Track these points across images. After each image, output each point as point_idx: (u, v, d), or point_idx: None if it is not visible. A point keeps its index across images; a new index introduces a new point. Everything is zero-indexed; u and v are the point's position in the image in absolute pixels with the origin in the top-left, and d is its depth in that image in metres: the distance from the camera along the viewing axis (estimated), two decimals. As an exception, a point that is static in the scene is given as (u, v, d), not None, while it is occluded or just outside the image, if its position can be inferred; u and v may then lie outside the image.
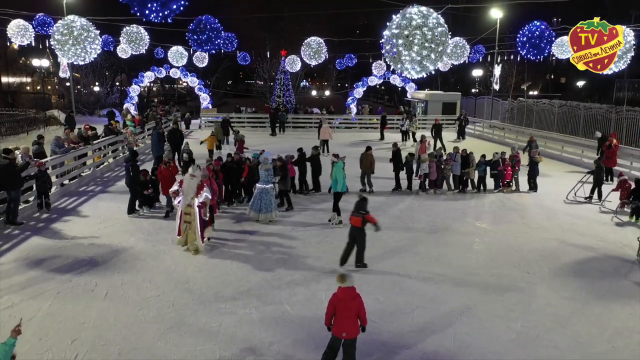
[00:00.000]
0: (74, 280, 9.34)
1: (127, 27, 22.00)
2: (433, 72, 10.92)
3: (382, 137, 28.94)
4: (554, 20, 46.72)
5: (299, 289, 9.12)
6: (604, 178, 17.12)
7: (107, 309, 8.25)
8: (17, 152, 13.67)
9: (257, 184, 12.88)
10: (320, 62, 27.95)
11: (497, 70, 31.90)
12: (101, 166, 19.12)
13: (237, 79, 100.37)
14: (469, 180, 16.50)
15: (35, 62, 38.25)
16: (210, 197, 10.80)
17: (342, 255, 10.07)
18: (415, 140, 27.34)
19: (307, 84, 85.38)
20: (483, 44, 33.03)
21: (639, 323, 8.16)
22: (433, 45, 8.50)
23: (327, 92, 54.10)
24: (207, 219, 10.87)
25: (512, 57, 36.46)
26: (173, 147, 20.15)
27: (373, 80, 38.81)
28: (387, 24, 9.44)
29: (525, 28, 17.43)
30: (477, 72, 36.43)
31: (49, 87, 59.95)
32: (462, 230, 12.76)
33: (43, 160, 14.41)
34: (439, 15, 8.59)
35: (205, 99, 38.61)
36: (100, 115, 33.42)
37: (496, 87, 32.29)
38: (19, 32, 21.55)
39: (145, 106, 39.32)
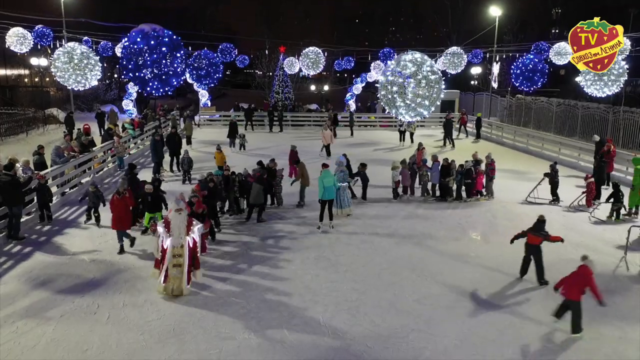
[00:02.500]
0: (76, 301, 9.53)
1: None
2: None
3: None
4: (553, 32, 46.73)
5: (297, 311, 9.30)
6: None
7: (110, 334, 8.44)
8: (17, 165, 13.79)
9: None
10: (318, 71, 28.00)
11: (496, 68, 31.90)
12: (100, 172, 19.24)
13: (236, 69, 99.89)
14: (449, 189, 16.60)
15: (34, 60, 38.06)
16: (203, 229, 10.23)
17: (521, 269, 10.85)
18: (412, 142, 27.48)
19: (308, 75, 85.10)
20: (482, 43, 32.98)
21: (629, 348, 8.38)
22: (427, 93, 8.63)
23: (325, 87, 53.96)
24: (200, 254, 10.08)
25: (510, 55, 36.43)
26: (171, 152, 20.27)
27: (372, 77, 38.78)
28: (382, 69, 9.55)
29: (519, 61, 17.64)
30: (476, 70, 36.39)
31: (47, 79, 59.74)
32: (457, 243, 12.94)
33: (43, 172, 14.55)
34: (433, 62, 8.70)
35: (203, 96, 38.57)
36: (99, 111, 33.42)
37: (494, 85, 32.29)
38: (18, 40, 21.54)
39: (145, 103, 39.21)
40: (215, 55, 20.69)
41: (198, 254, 9.83)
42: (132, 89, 37.95)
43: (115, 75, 57.20)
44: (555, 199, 16.54)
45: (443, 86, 9.61)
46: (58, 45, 26.00)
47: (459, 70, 25.34)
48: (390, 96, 9.12)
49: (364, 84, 39.40)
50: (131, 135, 23.25)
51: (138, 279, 10.47)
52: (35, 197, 13.76)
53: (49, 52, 27.22)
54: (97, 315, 9.08)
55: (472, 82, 51.93)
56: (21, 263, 11.28)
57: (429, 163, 16.94)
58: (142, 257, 11.62)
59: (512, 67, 19.59)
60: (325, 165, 13.99)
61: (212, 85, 19.81)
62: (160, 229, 9.52)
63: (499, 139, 30.33)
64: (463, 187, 16.60)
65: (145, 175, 17.61)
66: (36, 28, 22.96)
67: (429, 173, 16.76)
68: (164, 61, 9.02)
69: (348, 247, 12.47)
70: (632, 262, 11.79)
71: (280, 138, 30.33)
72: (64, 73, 14.48)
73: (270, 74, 46.14)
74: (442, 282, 10.66)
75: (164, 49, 9.20)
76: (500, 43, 36.09)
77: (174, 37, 10.02)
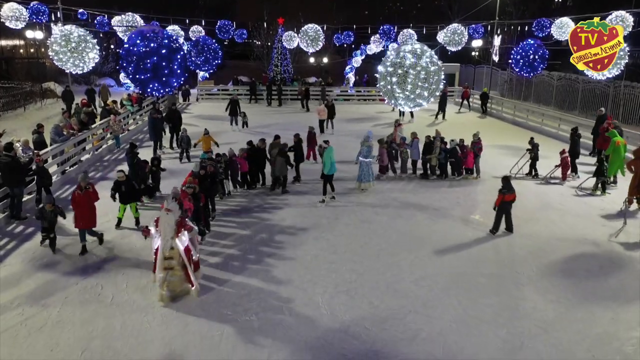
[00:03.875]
0: (80, 283, 9.72)
1: (123, 16, 21.65)
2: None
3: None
4: (556, 1, 45.85)
5: (297, 292, 9.50)
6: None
7: (114, 316, 8.65)
8: (17, 144, 13.81)
9: (360, 158, 14.86)
10: (317, 49, 27.70)
11: (497, 41, 31.53)
12: (100, 149, 19.25)
13: (234, 40, 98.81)
14: (430, 167, 16.67)
15: (29, 33, 37.52)
16: (197, 231, 9.47)
17: (495, 226, 12.27)
18: (412, 116, 27.40)
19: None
20: (483, 15, 32.50)
21: (620, 328, 8.60)
22: (426, 85, 8.60)
23: (325, 59, 53.31)
24: (195, 258, 9.26)
25: (512, 27, 35.95)
26: (171, 129, 20.25)
27: (372, 49, 38.32)
28: (382, 58, 9.53)
29: (519, 47, 17.50)
30: (477, 43, 35.97)
31: (43, 50, 58.93)
32: (455, 223, 13.10)
33: (42, 152, 14.59)
34: (433, 53, 8.64)
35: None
36: (96, 85, 33.16)
37: (495, 58, 31.98)
38: (13, 16, 21.21)
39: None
40: (213, 41, 20.45)
41: (194, 257, 9.14)
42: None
43: (112, 47, 56.50)
44: (535, 173, 16.93)
45: (442, 76, 9.60)
46: (54, 18, 25.62)
47: (459, 48, 25.10)
48: (389, 87, 9.13)
49: (363, 57, 38.97)
50: (130, 111, 23.16)
51: (140, 261, 10.63)
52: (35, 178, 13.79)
53: (44, 27, 26.89)
54: (101, 296, 9.27)
55: (473, 53, 51.33)
56: (24, 244, 11.43)
57: (409, 140, 16.82)
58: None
59: (512, 52, 19.46)
60: (327, 142, 14.39)
61: (212, 71, 19.64)
62: (152, 229, 8.96)
63: (499, 113, 30.24)
64: (449, 165, 16.69)
65: (143, 154, 17.56)
66: (32, 4, 22.58)
67: (408, 150, 16.74)
68: (163, 63, 9.01)
69: (347, 227, 12.62)
70: (630, 232, 12.40)
71: (280, 113, 30.24)
72: (62, 57, 14.38)
73: (269, 44, 45.57)
74: (439, 262, 10.85)
75: (163, 51, 9.15)
76: (502, 15, 35.59)
77: (173, 37, 9.96)
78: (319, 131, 22.42)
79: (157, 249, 8.90)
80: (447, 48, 25.43)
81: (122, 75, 33.04)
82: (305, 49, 27.77)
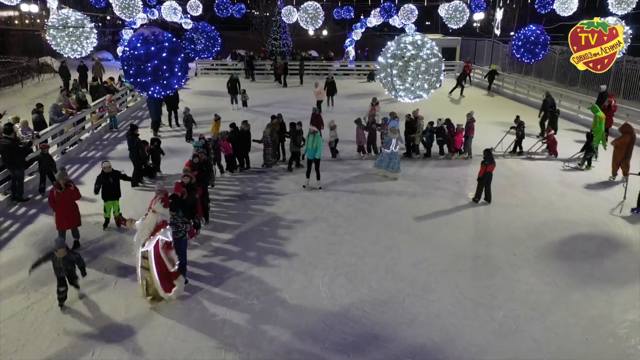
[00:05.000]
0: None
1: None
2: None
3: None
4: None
5: (297, 275, 9.65)
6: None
7: (118, 300, 8.80)
8: (16, 125, 13.77)
9: (384, 149, 14.65)
10: (317, 27, 27.29)
11: (499, 14, 31.08)
12: (99, 128, 19.20)
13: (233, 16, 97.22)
14: (413, 145, 16.68)
15: (24, 6, 36.91)
16: (171, 239, 8.40)
17: (477, 195, 13.16)
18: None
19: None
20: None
21: (614, 310, 8.79)
22: (426, 76, 8.53)
23: (324, 32, 52.55)
24: (175, 267, 8.45)
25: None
26: (169, 108, 20.14)
27: (372, 22, 37.76)
28: (382, 50, 9.44)
29: (521, 32, 17.31)
30: (479, 16, 35.44)
31: (38, 21, 58.04)
32: (453, 202, 13.21)
33: (42, 132, 14.57)
34: (433, 44, 8.54)
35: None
36: (93, 59, 32.74)
37: (497, 32, 31.58)
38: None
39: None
40: (212, 28, 20.14)
41: (175, 263, 8.40)
42: (126, 34, 37.06)
43: (108, 18, 55.62)
44: (520, 151, 17.17)
45: (443, 67, 9.54)
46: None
47: (460, 25, 24.77)
48: (389, 79, 9.10)
49: (363, 30, 38.43)
50: (128, 88, 22.99)
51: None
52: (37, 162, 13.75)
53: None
54: (105, 280, 9.41)
55: (474, 25, 50.61)
56: (27, 226, 11.53)
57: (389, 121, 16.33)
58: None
59: (513, 38, 19.28)
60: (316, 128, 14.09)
61: (211, 58, 19.39)
62: (138, 222, 8.45)
63: (499, 89, 30.05)
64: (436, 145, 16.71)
65: (143, 134, 17.52)
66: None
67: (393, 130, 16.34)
68: (164, 67, 8.94)
69: (347, 209, 12.71)
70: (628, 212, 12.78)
71: (280, 91, 29.91)
72: (60, 41, 14.24)
73: (267, 14, 44.85)
74: (438, 244, 10.99)
75: (164, 54, 9.06)
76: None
77: (174, 39, 9.87)
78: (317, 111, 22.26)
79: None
80: (448, 26, 25.09)
81: (119, 49, 32.67)
82: (305, 27, 27.42)
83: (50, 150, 15.22)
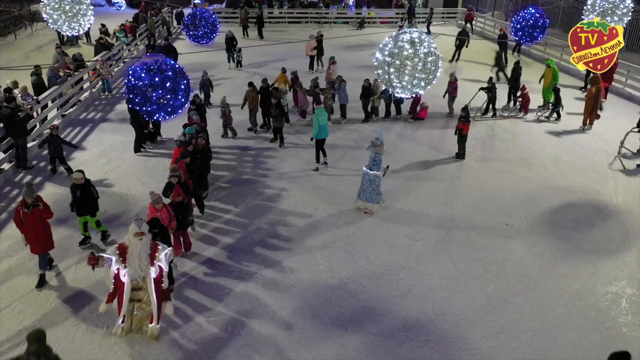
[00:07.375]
0: (92, 237, 10.18)
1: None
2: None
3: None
4: None
5: (297, 248, 10.07)
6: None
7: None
8: (15, 91, 13.78)
9: (364, 168, 11.00)
10: None
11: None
12: (97, 86, 19.08)
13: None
14: (373, 108, 16.72)
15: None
16: (172, 256, 7.91)
17: (459, 153, 14.06)
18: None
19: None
20: None
21: (598, 283, 9.27)
22: (423, 75, 8.48)
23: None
24: (165, 287, 7.70)
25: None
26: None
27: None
28: (380, 45, 9.28)
29: (520, 15, 16.80)
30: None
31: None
32: (450, 168, 13.48)
33: (42, 97, 14.59)
34: (431, 41, 8.41)
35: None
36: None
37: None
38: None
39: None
40: (211, 13, 19.51)
41: (165, 285, 7.66)
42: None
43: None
44: (494, 112, 17.35)
45: (440, 64, 9.49)
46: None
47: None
48: (386, 76, 9.09)
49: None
50: (124, 43, 22.62)
51: (145, 214, 11.05)
52: (37, 124, 13.87)
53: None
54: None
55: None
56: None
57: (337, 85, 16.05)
58: (150, 188, 11.95)
59: (512, 21, 18.80)
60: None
61: (209, 44, 18.80)
62: (112, 257, 7.33)
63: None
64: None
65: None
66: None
67: (336, 95, 16.18)
68: (168, 96, 8.86)
69: (346, 177, 12.96)
70: (618, 178, 13.29)
71: (272, 44, 29.06)
72: (57, 18, 13.92)
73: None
74: (433, 214, 11.35)
75: (168, 84, 8.96)
76: None
77: (177, 66, 9.74)
78: (307, 70, 21.93)
79: (122, 282, 7.43)
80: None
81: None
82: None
83: (50, 115, 15.34)
